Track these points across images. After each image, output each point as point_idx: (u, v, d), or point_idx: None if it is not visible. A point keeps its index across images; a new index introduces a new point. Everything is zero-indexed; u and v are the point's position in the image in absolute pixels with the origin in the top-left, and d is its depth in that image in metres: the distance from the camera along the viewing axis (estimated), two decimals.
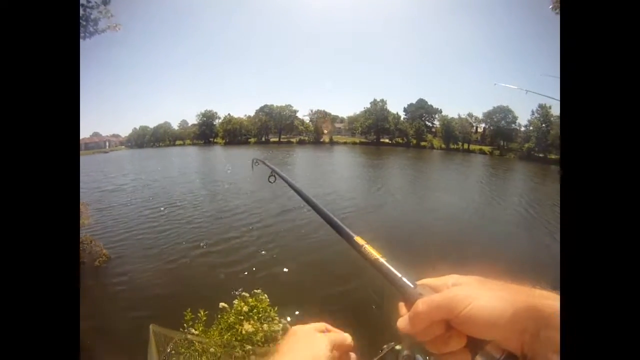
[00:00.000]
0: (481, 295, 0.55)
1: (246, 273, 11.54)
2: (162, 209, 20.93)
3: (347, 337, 0.81)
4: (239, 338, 4.52)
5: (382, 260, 0.74)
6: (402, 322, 0.62)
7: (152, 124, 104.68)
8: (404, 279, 0.68)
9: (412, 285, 0.66)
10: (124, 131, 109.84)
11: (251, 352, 4.38)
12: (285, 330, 5.16)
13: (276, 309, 5.24)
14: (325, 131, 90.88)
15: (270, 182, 1.68)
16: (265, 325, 4.83)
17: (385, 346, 0.66)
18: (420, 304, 0.59)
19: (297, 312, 8.10)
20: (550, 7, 8.43)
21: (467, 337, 0.56)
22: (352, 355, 0.80)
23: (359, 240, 0.83)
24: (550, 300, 0.52)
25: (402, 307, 0.66)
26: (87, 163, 51.44)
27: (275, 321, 5.04)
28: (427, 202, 23.94)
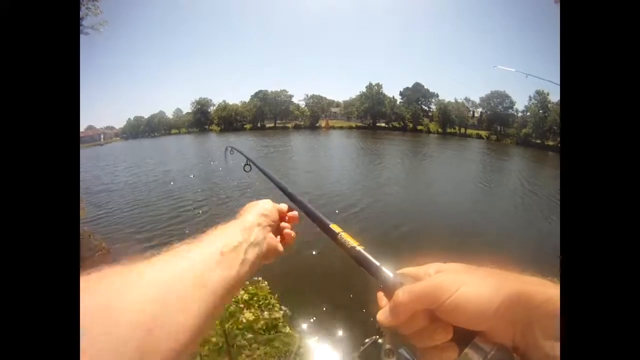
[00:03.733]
0: (468, 282, 0.51)
1: None
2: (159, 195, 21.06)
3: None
4: (240, 326, 4.50)
5: (359, 248, 0.71)
6: (383, 315, 0.57)
7: (146, 114, 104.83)
8: (383, 268, 0.65)
9: (391, 275, 0.63)
10: (119, 122, 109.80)
11: (253, 340, 4.36)
12: (286, 317, 5.18)
13: (277, 296, 5.24)
14: (323, 124, 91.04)
15: (245, 171, 1.64)
16: (265, 312, 4.83)
17: (367, 340, 0.62)
18: (401, 293, 0.55)
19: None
20: None
21: (454, 329, 0.52)
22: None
23: (334, 227, 0.81)
24: (541, 287, 0.49)
25: (381, 297, 0.62)
26: (83, 157, 51.46)
27: (276, 309, 5.05)
28: (424, 188, 23.93)
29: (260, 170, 1.48)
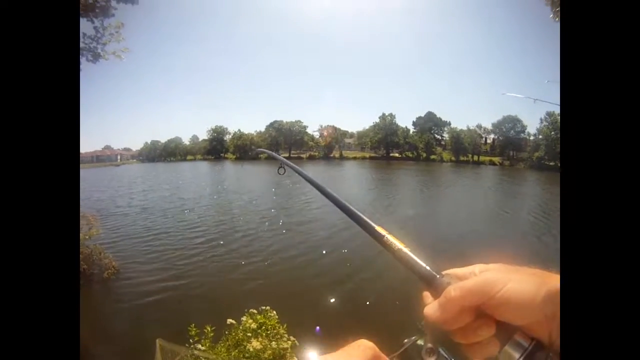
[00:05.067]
0: (514, 279, 0.54)
1: (257, 285, 11.53)
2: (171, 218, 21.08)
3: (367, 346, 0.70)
4: (246, 355, 4.47)
5: (406, 250, 0.71)
6: (431, 309, 0.59)
7: (163, 138, 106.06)
8: (429, 268, 0.65)
9: (437, 275, 0.64)
10: (136, 145, 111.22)
11: None
12: (294, 347, 5.11)
13: (285, 326, 5.19)
14: (328, 139, 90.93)
15: (280, 174, 1.66)
16: (273, 342, 4.78)
17: (406, 340, 0.63)
18: (453, 290, 0.57)
19: (317, 328, 8.08)
20: (551, 16, 8.50)
21: (496, 325, 0.55)
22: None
23: (380, 230, 0.79)
24: None
25: (427, 296, 0.63)
26: (99, 176, 51.93)
27: (284, 338, 4.99)
28: (439, 214, 23.73)
29: (295, 170, 1.45)
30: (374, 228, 0.81)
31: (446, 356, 0.60)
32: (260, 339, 4.71)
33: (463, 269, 0.64)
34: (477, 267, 0.62)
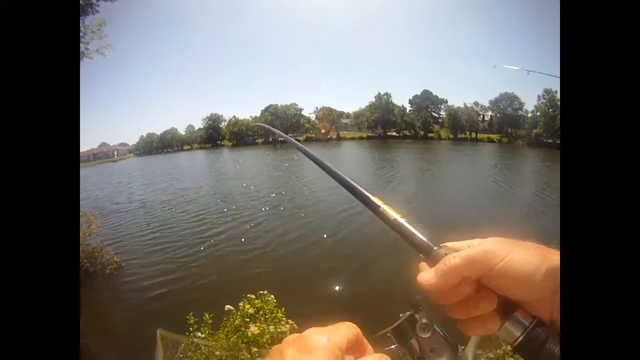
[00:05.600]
0: (515, 251, 0.53)
1: (258, 271, 11.60)
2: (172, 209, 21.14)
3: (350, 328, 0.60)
4: (245, 340, 4.52)
5: (402, 220, 0.68)
6: (427, 277, 0.57)
7: (158, 130, 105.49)
8: (426, 240, 0.63)
9: (434, 247, 0.62)
10: (132, 139, 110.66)
11: (257, 355, 4.37)
12: (292, 331, 5.16)
13: (283, 309, 5.23)
14: (323, 131, 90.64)
15: (277, 148, 1.64)
16: (271, 326, 4.82)
17: (401, 315, 0.61)
18: (452, 257, 0.55)
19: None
20: None
21: (497, 299, 0.54)
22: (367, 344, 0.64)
23: (375, 200, 0.76)
24: None
25: (424, 266, 0.61)
26: (97, 173, 51.81)
27: (282, 322, 5.03)
28: (442, 193, 23.77)
29: (292, 143, 1.38)
30: (369, 198, 0.78)
31: (441, 333, 0.59)
32: (258, 323, 4.75)
33: (461, 242, 0.63)
34: (475, 241, 0.60)
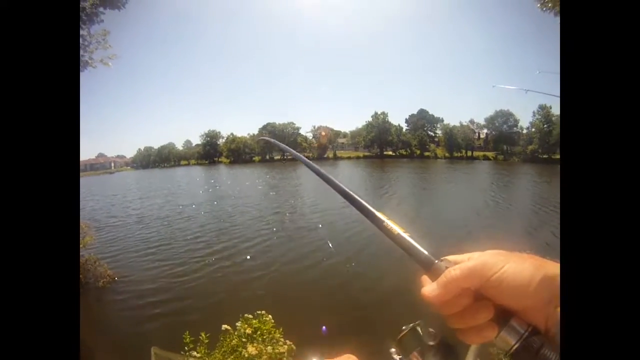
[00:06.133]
0: (510, 262, 0.56)
1: (255, 291, 11.49)
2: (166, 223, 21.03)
3: None
4: None
5: (405, 235, 0.71)
6: (430, 288, 0.60)
7: (156, 144, 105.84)
8: (427, 254, 0.66)
9: (435, 260, 0.64)
10: (129, 152, 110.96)
11: None
12: (290, 352, 5.09)
13: (281, 329, 5.17)
14: (323, 140, 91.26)
15: (283, 163, 1.64)
16: (269, 347, 4.75)
17: (404, 327, 0.65)
18: (453, 270, 0.58)
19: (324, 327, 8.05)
20: (538, 6, 8.53)
21: (494, 309, 0.56)
22: None
23: (380, 215, 0.79)
24: None
25: (425, 280, 0.64)
26: (93, 184, 51.64)
27: (280, 342, 4.96)
28: (433, 212, 23.84)
29: (300, 159, 1.37)
30: (374, 214, 0.81)
31: (448, 341, 0.62)
32: (255, 344, 4.68)
33: (461, 256, 0.64)
34: (475, 254, 0.62)
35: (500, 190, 33.78)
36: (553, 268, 0.54)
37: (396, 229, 0.73)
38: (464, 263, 0.59)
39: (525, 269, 0.54)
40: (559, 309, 0.52)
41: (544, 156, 68.33)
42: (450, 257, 0.65)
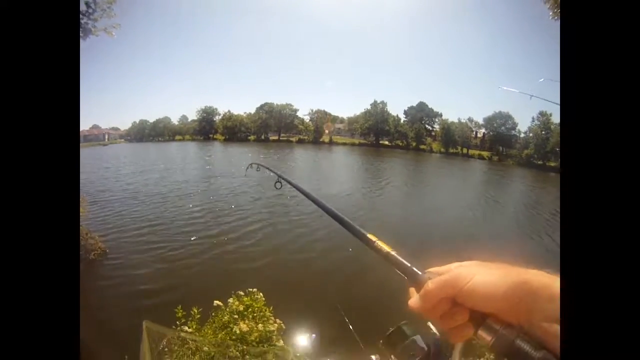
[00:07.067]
0: (481, 272, 0.64)
1: (247, 268, 11.53)
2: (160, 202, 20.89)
3: None
4: (233, 337, 4.47)
5: (393, 253, 0.83)
6: (414, 301, 0.71)
7: (152, 118, 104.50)
8: (414, 268, 0.77)
9: (419, 272, 0.75)
10: (124, 124, 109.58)
11: (245, 352, 4.33)
12: (280, 330, 5.14)
13: (271, 308, 5.20)
14: (327, 131, 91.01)
15: (276, 188, 1.69)
16: (260, 325, 4.79)
17: (391, 328, 0.76)
18: (430, 283, 0.68)
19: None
20: (550, 14, 8.51)
21: (469, 312, 0.64)
22: None
23: (371, 237, 0.92)
24: (540, 276, 0.60)
25: (412, 292, 0.74)
26: (86, 156, 51.14)
27: (270, 321, 5.00)
28: (428, 204, 23.94)
29: (294, 186, 1.55)
30: (365, 235, 0.95)
31: (421, 343, 0.71)
32: (246, 321, 4.71)
33: (443, 267, 0.74)
34: (453, 265, 0.72)
35: (494, 190, 34.07)
36: (519, 274, 0.61)
37: (385, 248, 0.86)
38: (439, 277, 0.68)
39: (492, 277, 0.62)
40: (531, 307, 0.58)
41: (539, 162, 69.06)
42: (434, 269, 0.74)
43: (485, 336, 0.62)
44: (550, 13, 8.76)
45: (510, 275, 0.61)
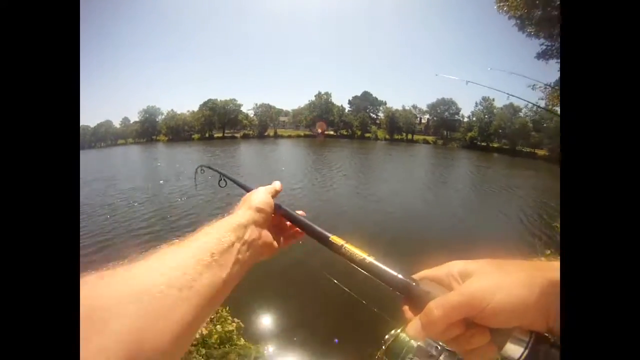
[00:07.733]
0: (502, 284, 0.50)
1: None
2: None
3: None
4: (194, 343, 4.44)
5: (370, 259, 0.64)
6: (415, 329, 0.53)
7: (92, 122, 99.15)
8: (400, 276, 0.60)
9: (412, 283, 0.58)
10: None
11: (208, 356, 4.31)
12: (239, 329, 5.13)
13: (227, 308, 5.17)
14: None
15: (221, 186, 1.67)
16: (218, 326, 4.77)
17: (387, 336, 0.60)
18: (435, 309, 0.51)
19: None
20: (495, 6, 8.85)
21: (491, 331, 0.51)
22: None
23: (335, 240, 0.72)
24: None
25: (406, 311, 0.58)
26: None
27: (228, 321, 4.98)
28: (383, 191, 24.24)
29: (238, 184, 1.40)
30: (327, 238, 0.74)
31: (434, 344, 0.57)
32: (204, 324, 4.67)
33: (438, 271, 0.59)
34: (454, 267, 0.57)
35: (441, 170, 35.46)
36: (545, 273, 0.51)
37: (359, 253, 0.66)
38: (447, 297, 0.52)
39: (519, 288, 0.49)
40: (558, 307, 0.48)
41: (483, 144, 72.77)
42: (426, 273, 0.60)
43: (513, 352, 0.50)
44: (495, 6, 9.14)
45: (536, 276, 0.50)
